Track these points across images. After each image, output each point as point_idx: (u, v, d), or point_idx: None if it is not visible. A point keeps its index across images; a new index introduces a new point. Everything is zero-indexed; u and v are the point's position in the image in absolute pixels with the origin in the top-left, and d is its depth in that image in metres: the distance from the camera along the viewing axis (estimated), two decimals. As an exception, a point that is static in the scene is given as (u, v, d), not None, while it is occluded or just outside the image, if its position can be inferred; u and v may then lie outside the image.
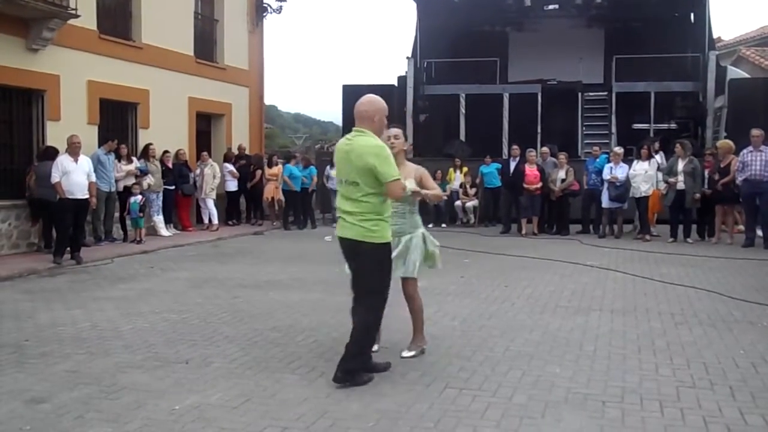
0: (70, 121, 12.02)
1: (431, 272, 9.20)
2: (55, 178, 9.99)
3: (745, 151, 11.91)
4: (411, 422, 3.94)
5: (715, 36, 19.98)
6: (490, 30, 21.72)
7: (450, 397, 4.37)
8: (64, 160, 10.12)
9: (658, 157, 13.70)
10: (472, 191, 16.26)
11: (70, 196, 10.01)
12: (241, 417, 4.03)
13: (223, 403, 4.27)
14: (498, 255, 11.08)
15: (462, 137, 19.28)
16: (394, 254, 4.91)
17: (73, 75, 12.35)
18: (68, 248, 10.20)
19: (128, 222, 12.82)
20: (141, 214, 12.69)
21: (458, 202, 16.32)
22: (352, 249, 4.62)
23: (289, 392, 4.45)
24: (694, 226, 13.07)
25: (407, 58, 19.91)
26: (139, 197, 12.67)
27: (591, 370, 4.93)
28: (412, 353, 5.22)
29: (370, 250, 4.55)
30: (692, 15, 19.92)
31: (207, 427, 3.89)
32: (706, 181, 12.61)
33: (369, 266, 4.60)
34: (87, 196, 10.29)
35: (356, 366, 4.57)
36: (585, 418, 4.01)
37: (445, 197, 14.64)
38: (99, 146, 12.49)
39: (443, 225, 15.91)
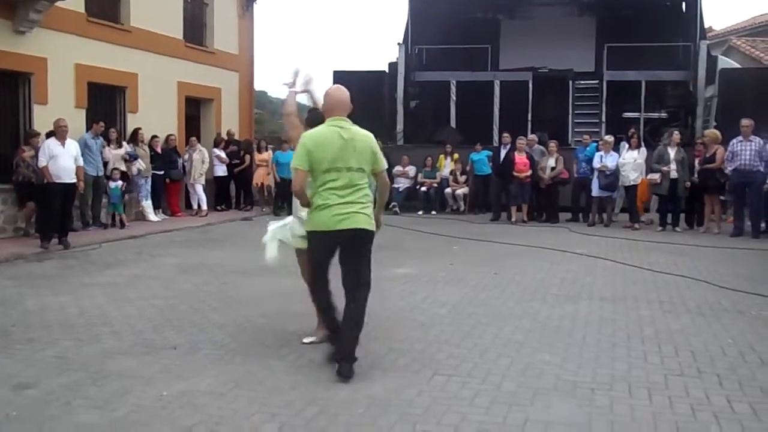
0: (57, 105, 11.88)
1: (421, 260, 9.24)
2: (41, 162, 9.91)
3: (734, 140, 11.93)
4: (400, 409, 3.94)
5: (706, 25, 19.98)
6: (482, 17, 21.59)
7: (439, 384, 4.37)
8: (51, 144, 10.03)
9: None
10: (462, 178, 16.24)
11: (58, 181, 9.93)
12: (230, 404, 4.02)
13: (212, 389, 4.25)
14: (488, 242, 11.08)
15: (452, 124, 19.24)
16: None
17: (61, 58, 12.20)
18: (56, 233, 10.13)
19: (107, 207, 12.59)
20: (124, 199, 12.58)
21: (448, 189, 16.29)
22: (361, 239, 4.60)
23: (278, 379, 4.44)
24: (682, 215, 13.11)
25: (398, 44, 19.80)
26: (120, 182, 12.53)
27: (580, 357, 4.95)
28: (311, 339, 5.23)
29: (372, 239, 4.68)
30: (684, 4, 19.86)
31: (195, 414, 3.87)
32: (695, 170, 12.63)
33: (370, 255, 4.70)
34: (74, 181, 10.22)
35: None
36: (574, 406, 4.01)
37: None
38: (86, 130, 12.38)
39: (433, 212, 15.91)
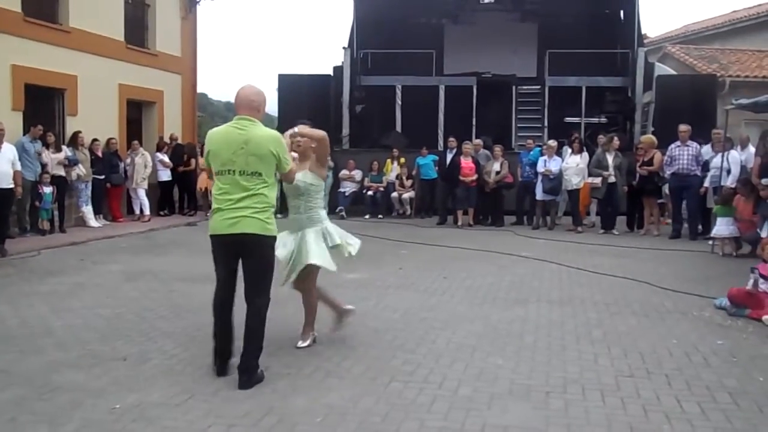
0: (-8, 108, 11.50)
1: (371, 264, 9.19)
2: (-24, 166, 9.55)
3: (672, 145, 12.30)
4: (359, 417, 3.93)
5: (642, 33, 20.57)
6: (427, 21, 21.79)
7: (396, 390, 4.37)
8: (-14, 148, 9.68)
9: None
10: (408, 183, 16.31)
11: (-7, 186, 9.59)
12: (185, 415, 3.94)
13: (165, 401, 4.16)
14: (435, 246, 11.14)
15: (398, 128, 19.31)
16: (286, 252, 5.10)
17: (-4, 59, 11.81)
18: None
19: (39, 214, 12.09)
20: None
21: (395, 194, 16.33)
22: (252, 244, 4.45)
23: (233, 388, 4.36)
24: (619, 218, 13.41)
25: (344, 48, 19.77)
26: (52, 188, 12.12)
27: (533, 361, 5.01)
28: (307, 342, 5.28)
29: (271, 245, 4.59)
30: (622, 12, 20.44)
31: (149, 427, 3.78)
32: (636, 174, 12.94)
33: (270, 262, 4.60)
34: (11, 186, 9.88)
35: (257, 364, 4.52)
36: (530, 410, 4.07)
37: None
38: (24, 134, 11.99)
39: (380, 216, 15.92)
